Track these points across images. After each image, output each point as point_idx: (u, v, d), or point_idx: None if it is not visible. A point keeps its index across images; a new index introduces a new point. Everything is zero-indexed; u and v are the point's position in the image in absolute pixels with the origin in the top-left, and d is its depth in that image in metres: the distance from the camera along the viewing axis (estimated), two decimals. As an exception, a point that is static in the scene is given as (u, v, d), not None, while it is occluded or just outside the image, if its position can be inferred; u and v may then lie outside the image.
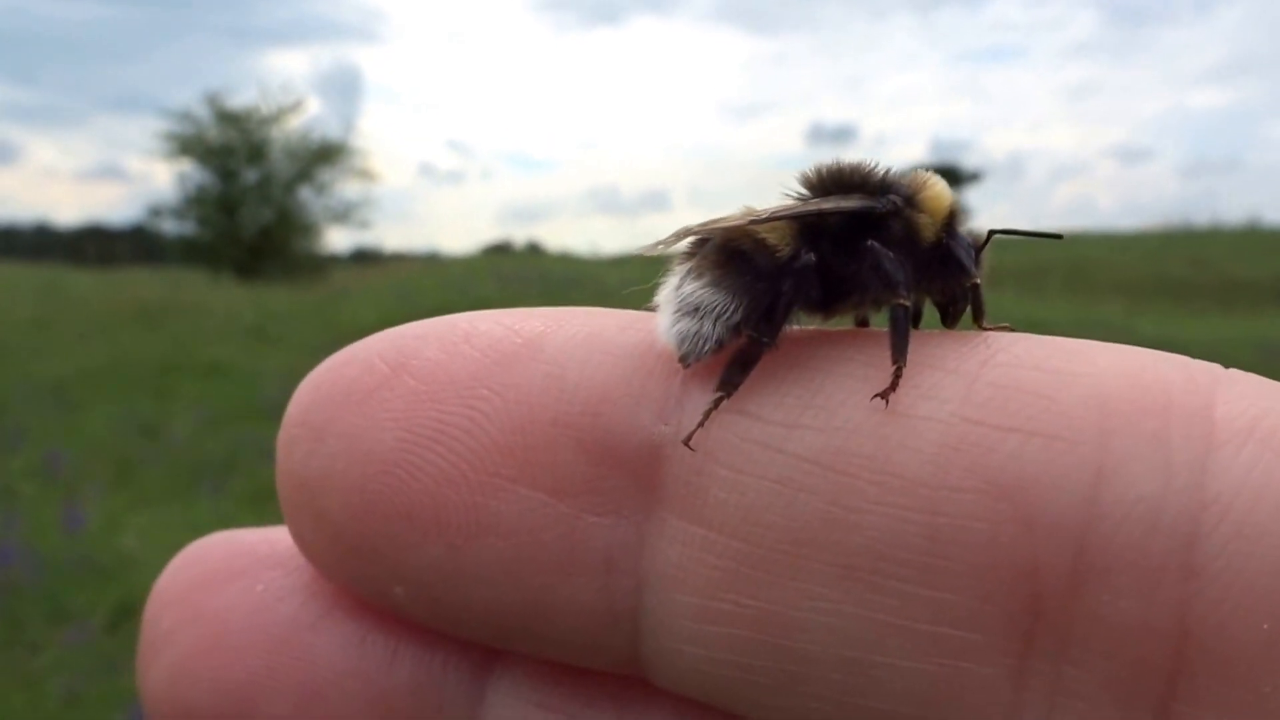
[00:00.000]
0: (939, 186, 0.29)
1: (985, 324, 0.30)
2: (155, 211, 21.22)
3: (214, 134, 20.31)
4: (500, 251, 25.56)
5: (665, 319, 0.26)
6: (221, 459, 6.13)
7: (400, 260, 28.16)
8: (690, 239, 0.29)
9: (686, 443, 0.22)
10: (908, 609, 0.20)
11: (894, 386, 0.21)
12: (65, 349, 9.66)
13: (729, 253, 0.28)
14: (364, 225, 21.53)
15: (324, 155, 20.74)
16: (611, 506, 0.22)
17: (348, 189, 20.51)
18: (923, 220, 0.28)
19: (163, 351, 9.13)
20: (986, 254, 0.30)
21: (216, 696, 0.25)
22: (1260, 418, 0.19)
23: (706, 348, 0.25)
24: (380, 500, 0.23)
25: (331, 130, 31.75)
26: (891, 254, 0.27)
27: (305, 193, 21.04)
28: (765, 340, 0.24)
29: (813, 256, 0.27)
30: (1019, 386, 0.20)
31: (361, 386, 0.24)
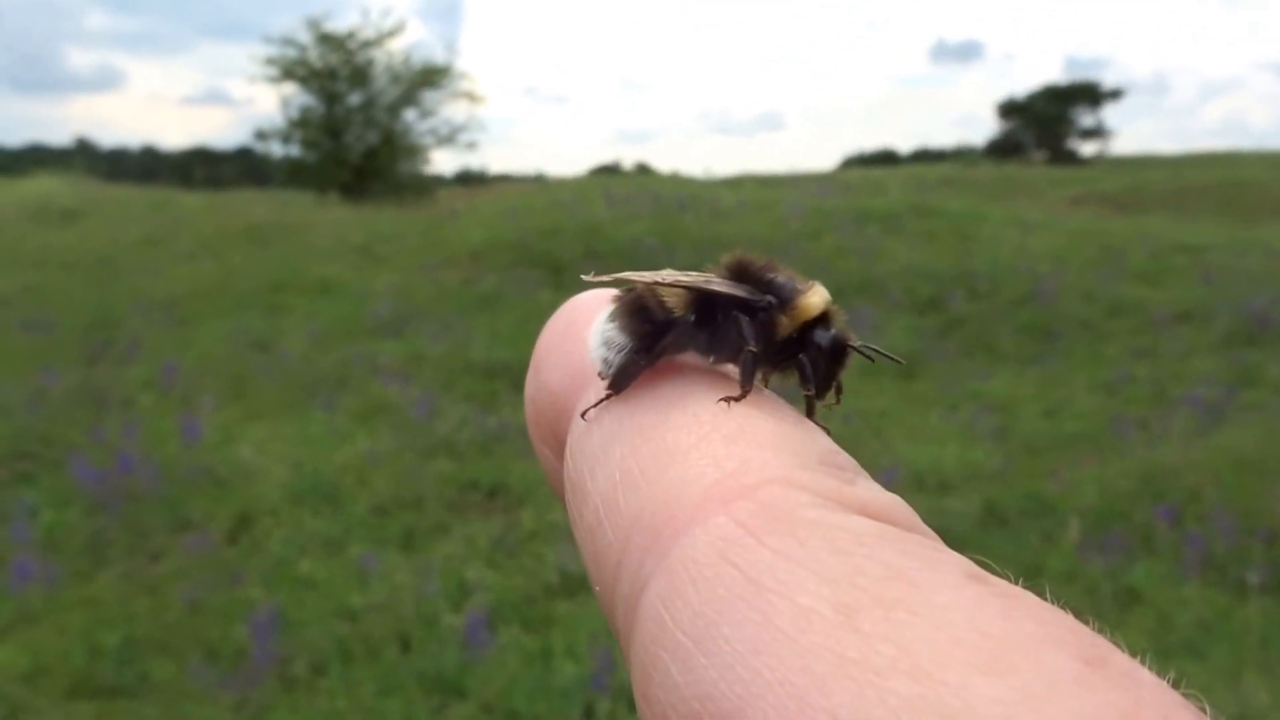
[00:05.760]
0: (813, 299, 0.36)
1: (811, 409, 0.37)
2: (260, 135, 21.57)
3: (316, 57, 20.51)
4: (609, 173, 25.35)
5: (591, 345, 0.36)
6: (333, 375, 6.21)
7: (506, 182, 28.24)
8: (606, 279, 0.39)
9: (583, 415, 0.32)
10: (594, 544, 0.28)
11: (739, 395, 0.31)
12: (176, 267, 9.93)
13: (638, 304, 0.37)
14: (470, 148, 21.66)
15: (427, 78, 20.79)
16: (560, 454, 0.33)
17: (452, 111, 20.36)
18: (782, 320, 0.36)
19: (272, 269, 9.30)
20: (839, 363, 0.37)
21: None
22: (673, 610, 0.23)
23: (612, 369, 0.34)
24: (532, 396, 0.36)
25: (434, 54, 31.77)
26: (751, 326, 0.35)
27: (410, 115, 21.19)
28: (643, 363, 0.34)
29: (692, 318, 0.36)
30: (649, 440, 0.28)
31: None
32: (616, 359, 0.35)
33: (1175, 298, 7.37)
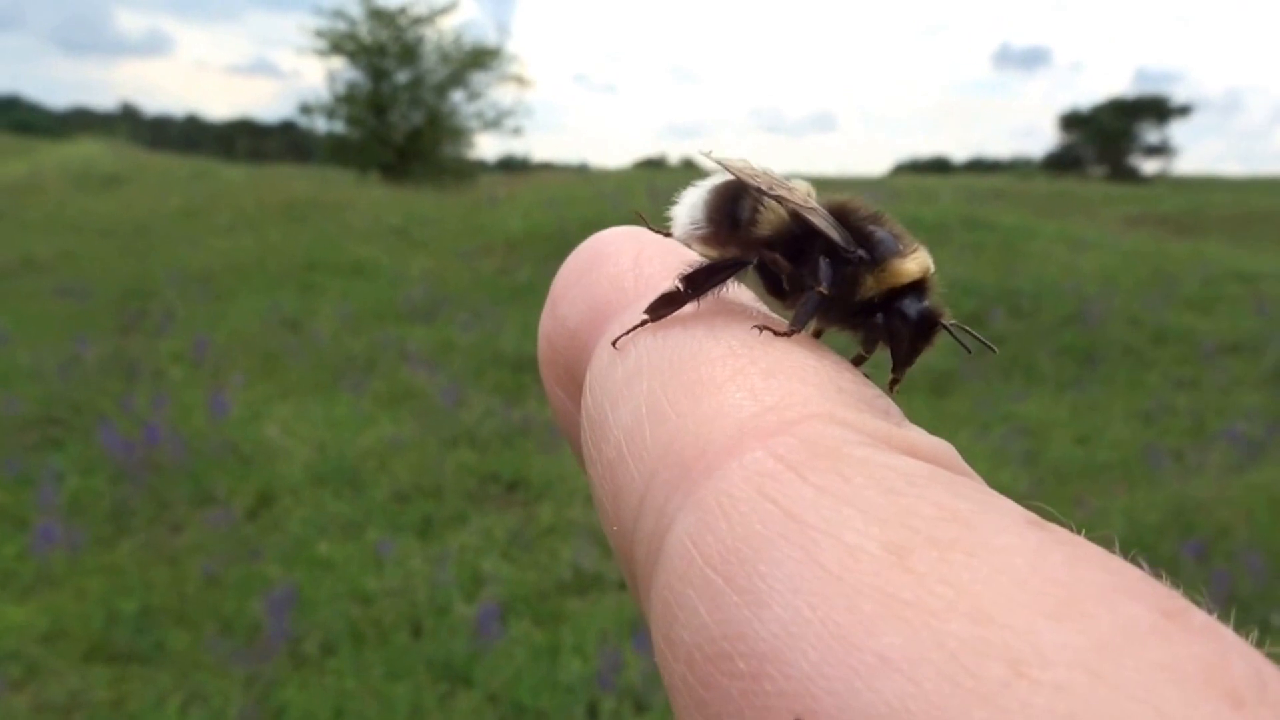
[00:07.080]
0: (908, 265, 0.34)
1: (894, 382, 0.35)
2: (305, 108, 21.75)
3: (365, 32, 20.64)
4: (654, 166, 25.40)
5: (682, 202, 0.36)
6: (362, 358, 6.32)
7: (548, 170, 28.34)
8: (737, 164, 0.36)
9: (614, 343, 0.30)
10: (614, 480, 0.26)
11: (784, 332, 0.29)
12: (214, 240, 10.09)
13: (737, 192, 0.35)
14: (516, 133, 21.71)
15: (477, 59, 20.88)
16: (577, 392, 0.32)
17: (500, 95, 20.45)
18: (867, 280, 0.34)
19: (309, 247, 9.43)
20: (925, 339, 0.34)
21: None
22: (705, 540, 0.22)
23: (679, 233, 0.35)
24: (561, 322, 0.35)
25: (485, 35, 31.86)
26: (830, 269, 0.33)
27: (457, 97, 21.30)
28: (690, 292, 0.31)
29: (755, 258, 0.34)
30: (680, 373, 0.27)
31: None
32: (685, 231, 0.36)
33: (1225, 327, 7.29)
